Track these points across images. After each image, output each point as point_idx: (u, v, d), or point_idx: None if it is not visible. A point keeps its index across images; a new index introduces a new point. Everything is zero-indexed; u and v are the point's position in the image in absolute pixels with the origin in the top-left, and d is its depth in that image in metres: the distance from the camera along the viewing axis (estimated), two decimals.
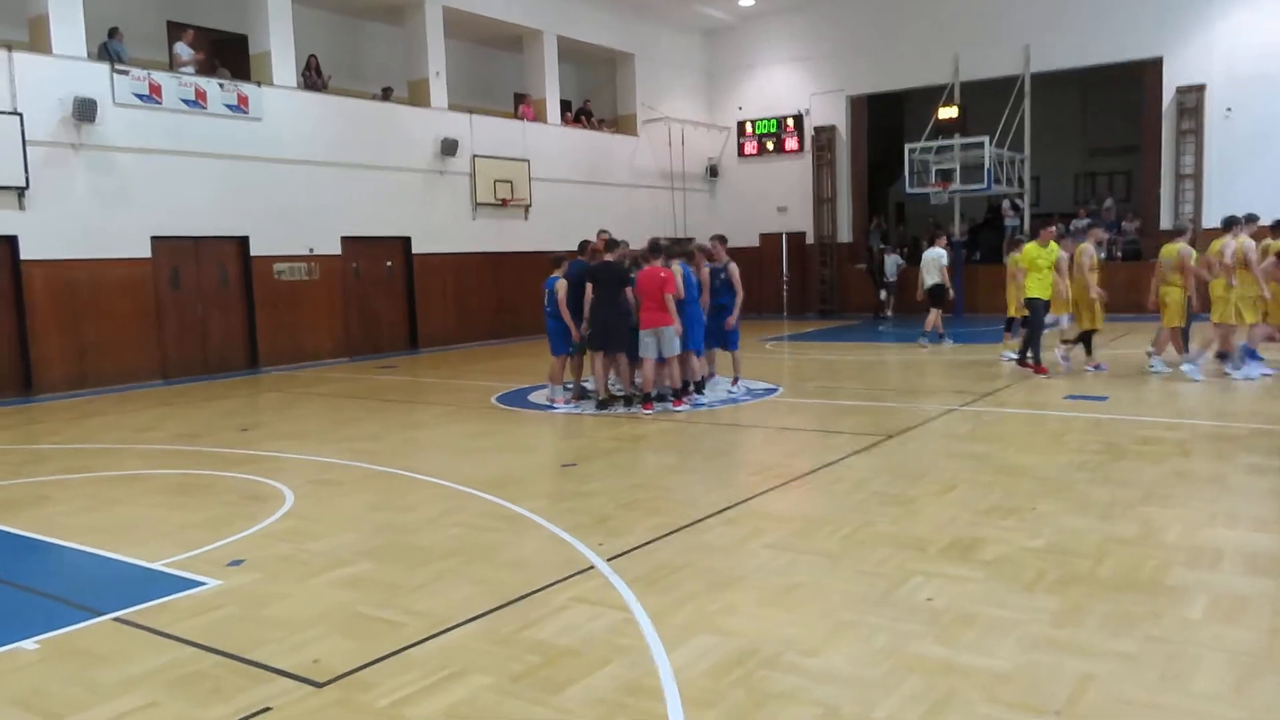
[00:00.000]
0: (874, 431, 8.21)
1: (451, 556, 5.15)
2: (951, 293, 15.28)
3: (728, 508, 5.89)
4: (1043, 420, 8.54)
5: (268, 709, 3.46)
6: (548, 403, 10.18)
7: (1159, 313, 11.18)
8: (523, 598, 4.50)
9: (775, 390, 10.77)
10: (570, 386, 10.51)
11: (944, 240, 15.69)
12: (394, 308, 17.57)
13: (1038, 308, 11.20)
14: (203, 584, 4.87)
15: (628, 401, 9.75)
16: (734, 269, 10.49)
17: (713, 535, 5.39)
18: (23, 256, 12.69)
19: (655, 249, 9.49)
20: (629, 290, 9.51)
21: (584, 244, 10.25)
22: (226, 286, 15.05)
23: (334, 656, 3.92)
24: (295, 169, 15.66)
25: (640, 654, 3.83)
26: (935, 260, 15.06)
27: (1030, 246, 11.32)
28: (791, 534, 5.32)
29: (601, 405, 9.56)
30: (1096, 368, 11.50)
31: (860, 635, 3.95)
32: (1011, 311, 12.80)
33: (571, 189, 20.58)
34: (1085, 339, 11.70)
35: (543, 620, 4.22)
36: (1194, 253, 10.80)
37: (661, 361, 9.62)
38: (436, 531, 5.62)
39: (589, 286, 9.68)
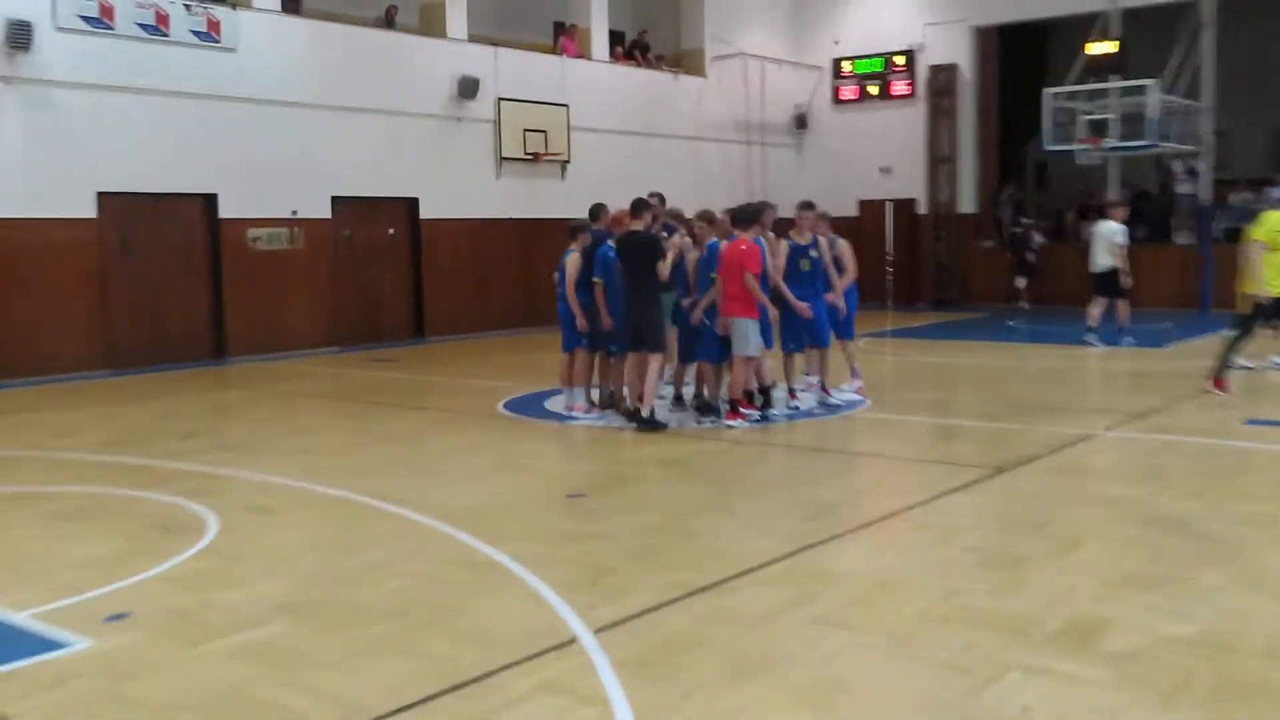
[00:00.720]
0: (981, 462, 7.85)
1: (394, 618, 4.88)
2: (1129, 279, 14.60)
3: (769, 563, 5.55)
4: (1214, 453, 8.06)
5: None
6: (565, 412, 9.87)
7: None
8: (471, 682, 4.15)
9: (859, 404, 10.41)
10: (601, 390, 10.34)
11: (1120, 211, 15.13)
12: (396, 286, 17.53)
13: (1261, 306, 10.32)
14: (67, 645, 4.62)
15: (701, 411, 9.64)
16: (844, 246, 10.49)
17: (743, 600, 5.03)
18: None
19: (744, 216, 9.27)
20: (661, 265, 9.21)
21: (596, 209, 10.03)
22: (190, 256, 15.07)
23: None
24: (276, 112, 15.61)
25: None
26: (1108, 237, 14.49)
27: (1274, 216, 10.48)
28: (849, 603, 4.96)
29: (634, 417, 9.18)
30: None
31: None
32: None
33: (621, 142, 20.35)
34: None
35: (489, 718, 3.83)
36: None
37: (716, 363, 9.50)
38: (383, 582, 5.40)
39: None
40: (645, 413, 9.17)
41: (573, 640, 4.52)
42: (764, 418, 9.43)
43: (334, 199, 16.41)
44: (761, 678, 4.13)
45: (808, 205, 10.24)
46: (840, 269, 10.32)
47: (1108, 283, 14.55)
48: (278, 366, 14.61)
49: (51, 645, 4.61)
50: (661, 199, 10.46)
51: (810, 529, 6.19)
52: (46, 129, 13.50)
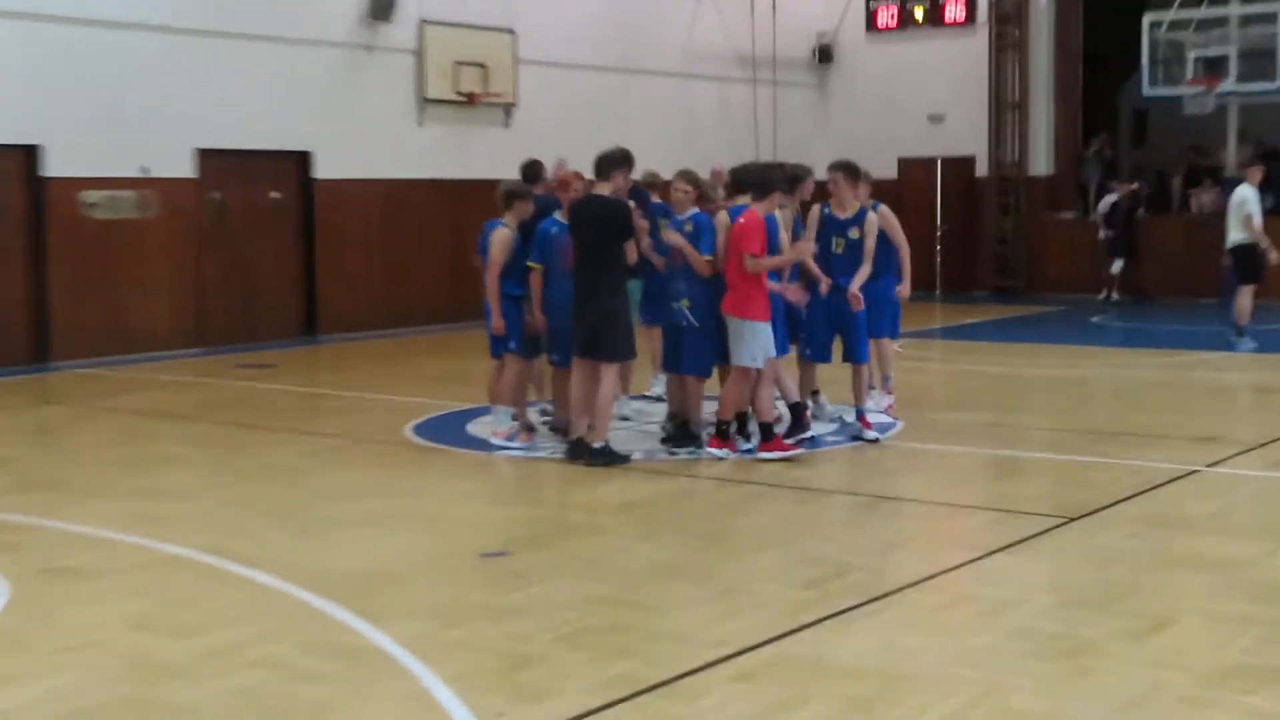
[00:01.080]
0: (1044, 509, 7.79)
1: None
2: (1275, 254, 14.75)
3: (748, 649, 5.42)
4: None
5: None
6: (493, 438, 9.78)
7: None
8: None
9: (891, 427, 10.37)
10: (543, 410, 10.30)
11: (1257, 171, 15.36)
12: (280, 267, 17.39)
13: None
14: None
15: (676, 440, 9.52)
16: (887, 215, 10.43)
17: (709, 705, 4.90)
18: None
19: (750, 179, 9.23)
20: (630, 245, 9.13)
21: (531, 168, 9.93)
22: (2, 223, 14.87)
23: None
24: (122, 38, 15.38)
25: None
26: (1237, 205, 14.81)
27: None
28: (851, 709, 4.82)
29: (581, 448, 9.04)
30: None
31: None
32: None
33: (587, 80, 20.19)
34: None
35: None
36: None
37: (699, 374, 9.46)
38: (222, 675, 5.23)
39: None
40: (598, 442, 9.04)
41: None
42: (802, 442, 9.34)
43: (199, 153, 16.27)
44: None
45: (847, 168, 9.99)
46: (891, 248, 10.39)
47: (1241, 263, 14.78)
48: (117, 375, 14.46)
49: None
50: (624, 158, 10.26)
51: (808, 601, 6.08)
52: None
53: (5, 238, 14.92)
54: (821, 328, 9.82)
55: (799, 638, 5.53)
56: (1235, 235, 14.80)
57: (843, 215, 9.83)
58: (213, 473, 9.32)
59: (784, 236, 9.35)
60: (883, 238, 10.08)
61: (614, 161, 9.28)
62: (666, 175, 10.45)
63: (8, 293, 14.94)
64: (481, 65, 18.78)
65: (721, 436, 9.16)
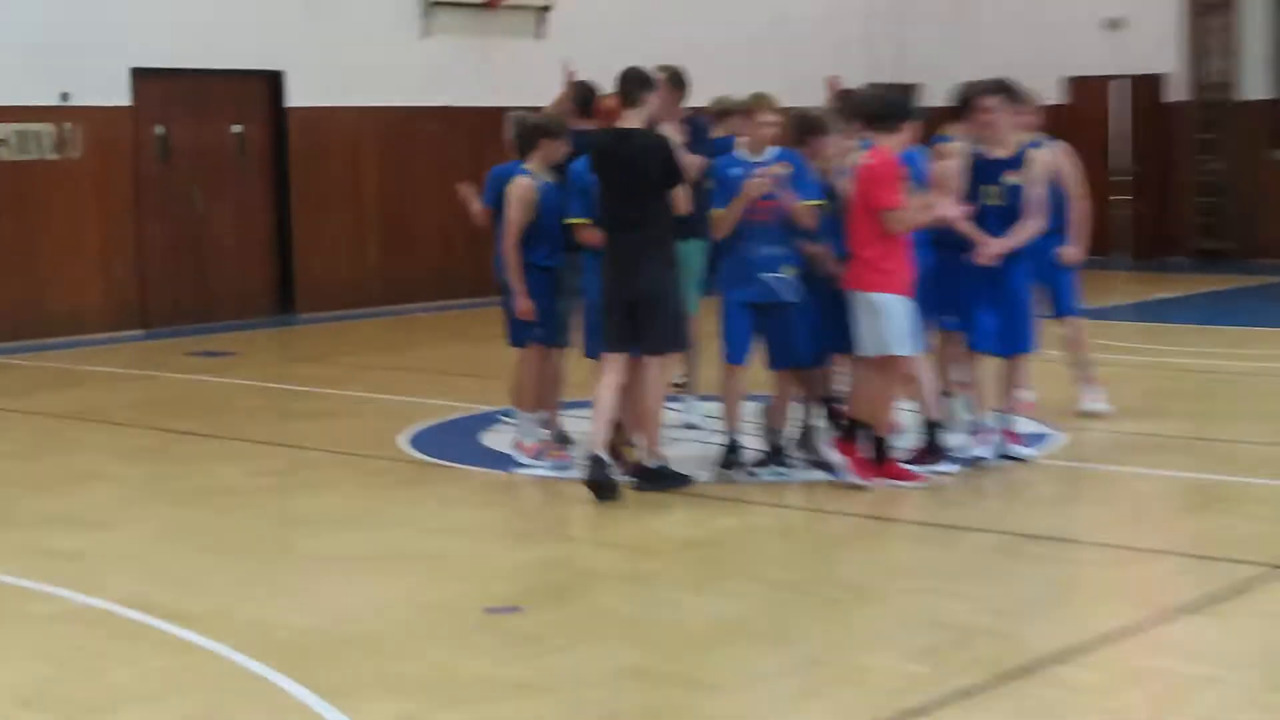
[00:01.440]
0: (1257, 555, 7.57)
1: None
2: None
3: None
4: None
5: None
6: (517, 453, 9.89)
7: None
8: None
9: (1044, 439, 10.23)
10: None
11: None
12: (244, 226, 17.53)
13: None
14: None
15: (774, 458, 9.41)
16: (1062, 155, 10.34)
17: None
18: None
19: (880, 109, 9.08)
20: (678, 192, 9.08)
21: (584, 93, 9.83)
22: None
23: None
24: None
25: None
26: None
27: None
28: None
29: (596, 470, 9.00)
30: None
31: None
32: None
33: None
34: None
35: None
36: None
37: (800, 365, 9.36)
38: None
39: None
40: (648, 459, 8.99)
41: None
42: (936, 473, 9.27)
43: (135, 72, 16.41)
44: None
45: (1003, 89, 9.69)
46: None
47: None
48: (33, 365, 14.57)
49: None
50: (675, 79, 10.02)
51: (914, 680, 5.91)
52: None
53: None
54: (979, 306, 9.48)
55: None
56: None
57: (998, 154, 9.51)
58: (145, 495, 9.33)
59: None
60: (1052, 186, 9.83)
61: (640, 82, 9.16)
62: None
63: None
64: None
65: (881, 458, 8.95)
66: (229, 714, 5.65)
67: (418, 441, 10.64)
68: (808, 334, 9.20)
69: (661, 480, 8.95)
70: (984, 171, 9.45)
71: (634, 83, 9.11)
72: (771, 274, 9.10)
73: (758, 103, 9.57)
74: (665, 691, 5.88)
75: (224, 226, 17.31)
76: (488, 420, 11.06)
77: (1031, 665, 6.05)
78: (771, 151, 9.21)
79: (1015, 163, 9.45)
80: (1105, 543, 8.23)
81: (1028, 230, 9.33)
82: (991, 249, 9.23)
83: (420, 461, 10.12)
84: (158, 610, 6.76)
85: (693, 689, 5.91)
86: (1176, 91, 22.97)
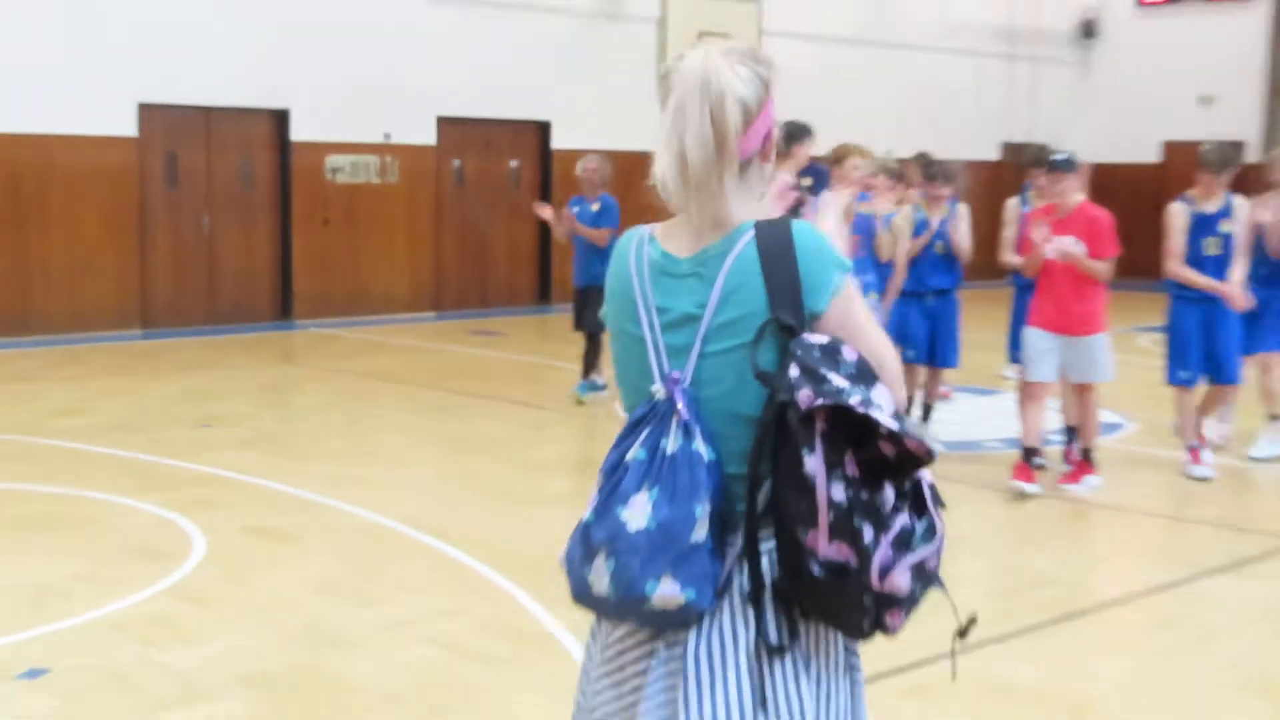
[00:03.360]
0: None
1: (388, 706, 4.49)
2: None
3: (924, 661, 4.65)
4: None
5: None
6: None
7: None
8: None
9: (1118, 428, 9.36)
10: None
11: None
12: (516, 236, 16.92)
13: None
14: None
15: None
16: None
17: None
18: None
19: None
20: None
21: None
22: (250, 189, 14.83)
23: None
24: (363, 7, 15.04)
25: None
26: None
27: None
28: None
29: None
30: None
31: None
32: None
33: (830, 53, 18.96)
34: None
35: None
36: None
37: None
38: (390, 651, 4.98)
39: None
40: None
41: None
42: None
43: (441, 121, 15.94)
44: None
45: (1224, 153, 7.73)
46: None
47: None
48: (350, 335, 14.24)
49: None
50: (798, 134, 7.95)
51: (997, 613, 5.34)
52: (75, 26, 13.15)
53: (257, 200, 14.93)
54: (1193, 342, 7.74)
55: (981, 653, 4.79)
56: None
57: (1209, 209, 7.59)
58: (424, 440, 8.99)
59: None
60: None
61: (789, 135, 7.69)
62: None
63: (256, 251, 15.00)
64: (724, 36, 18.06)
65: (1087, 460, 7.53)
66: (471, 610, 5.47)
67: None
68: None
69: None
70: (1202, 226, 7.61)
71: (787, 133, 7.63)
72: None
73: (847, 152, 8.04)
74: None
75: (497, 234, 16.84)
76: None
77: (1087, 610, 5.65)
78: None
79: (1224, 215, 7.63)
80: (1156, 514, 7.45)
81: (1238, 273, 7.56)
82: (1235, 288, 7.51)
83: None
84: (425, 529, 6.57)
85: None
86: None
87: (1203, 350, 7.62)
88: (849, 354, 2.14)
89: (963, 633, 2.28)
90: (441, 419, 9.65)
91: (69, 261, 13.48)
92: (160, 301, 14.24)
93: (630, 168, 16.76)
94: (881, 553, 2.10)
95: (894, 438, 2.09)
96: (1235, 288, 7.44)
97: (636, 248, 2.38)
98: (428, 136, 15.90)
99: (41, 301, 13.39)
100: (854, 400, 2.06)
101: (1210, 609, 5.59)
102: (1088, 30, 22.33)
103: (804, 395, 2.07)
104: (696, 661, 2.19)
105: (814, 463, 2.08)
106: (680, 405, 2.18)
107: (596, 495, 2.24)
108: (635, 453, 2.19)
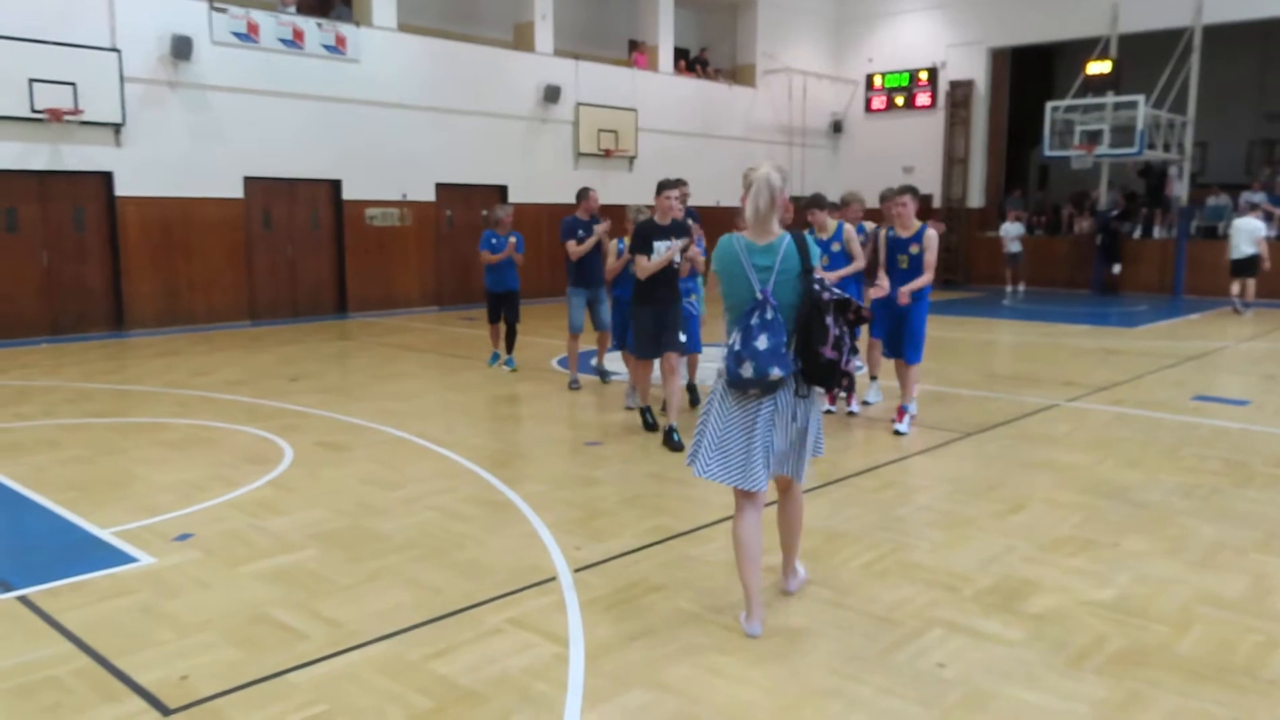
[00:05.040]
0: (952, 426, 7.18)
1: (406, 549, 4.59)
2: (1267, 263, 15.41)
3: None
4: (1158, 426, 7.27)
5: None
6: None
7: None
8: (454, 613, 3.86)
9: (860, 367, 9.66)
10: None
11: (1259, 210, 16.58)
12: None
13: None
14: (134, 560, 4.46)
15: None
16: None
17: (712, 548, 4.60)
18: (118, 193, 12.85)
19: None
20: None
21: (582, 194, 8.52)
22: (317, 230, 14.97)
23: (207, 673, 3.38)
24: (390, 112, 15.39)
25: (550, 708, 3.12)
26: (1250, 231, 15.29)
27: None
28: (804, 554, 4.49)
29: None
30: None
31: (829, 713, 3.10)
32: None
33: (681, 142, 19.75)
34: None
35: (459, 649, 3.56)
36: None
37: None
38: (407, 515, 5.08)
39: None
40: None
41: (553, 578, 4.22)
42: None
43: (438, 185, 16.17)
44: (703, 625, 3.76)
45: (911, 190, 6.88)
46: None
47: (1246, 266, 15.23)
48: (386, 322, 14.41)
49: (121, 559, 4.47)
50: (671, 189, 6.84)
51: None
52: (203, 124, 13.46)
53: (321, 238, 15.00)
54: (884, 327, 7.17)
55: (774, 508, 4.98)
56: (1246, 249, 15.20)
57: (904, 234, 6.95)
58: (431, 385, 8.99)
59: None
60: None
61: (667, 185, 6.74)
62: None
63: (323, 271, 15.07)
64: (614, 131, 18.45)
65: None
66: (459, 489, 5.51)
67: (562, 362, 10.07)
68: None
69: None
70: (897, 247, 7.00)
71: (658, 184, 6.76)
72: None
73: (851, 198, 8.08)
74: (664, 485, 5.52)
75: (475, 260, 16.56)
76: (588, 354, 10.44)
77: (843, 478, 5.74)
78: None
79: (915, 240, 6.90)
80: (882, 419, 7.39)
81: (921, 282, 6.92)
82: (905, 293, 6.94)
83: (559, 372, 9.52)
84: (433, 440, 6.67)
85: (676, 484, 5.54)
86: (937, 202, 22.09)
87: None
88: (829, 281, 3.76)
89: (860, 319, 3.60)
90: (441, 372, 9.80)
91: (202, 278, 13.61)
92: (261, 302, 14.35)
93: (556, 214, 17.42)
94: (846, 355, 3.54)
95: (857, 311, 3.56)
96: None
97: (734, 241, 3.64)
98: (429, 195, 16.08)
99: (186, 303, 13.51)
100: (840, 295, 3.58)
101: (912, 477, 5.80)
102: (836, 127, 23.24)
103: (825, 295, 3.51)
104: (782, 401, 3.56)
105: (829, 319, 3.50)
106: (770, 300, 3.50)
107: (740, 336, 3.48)
108: (754, 319, 3.48)
